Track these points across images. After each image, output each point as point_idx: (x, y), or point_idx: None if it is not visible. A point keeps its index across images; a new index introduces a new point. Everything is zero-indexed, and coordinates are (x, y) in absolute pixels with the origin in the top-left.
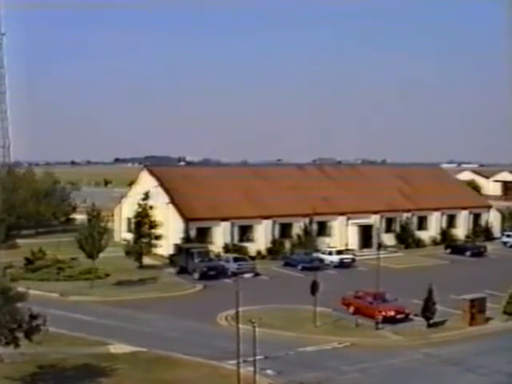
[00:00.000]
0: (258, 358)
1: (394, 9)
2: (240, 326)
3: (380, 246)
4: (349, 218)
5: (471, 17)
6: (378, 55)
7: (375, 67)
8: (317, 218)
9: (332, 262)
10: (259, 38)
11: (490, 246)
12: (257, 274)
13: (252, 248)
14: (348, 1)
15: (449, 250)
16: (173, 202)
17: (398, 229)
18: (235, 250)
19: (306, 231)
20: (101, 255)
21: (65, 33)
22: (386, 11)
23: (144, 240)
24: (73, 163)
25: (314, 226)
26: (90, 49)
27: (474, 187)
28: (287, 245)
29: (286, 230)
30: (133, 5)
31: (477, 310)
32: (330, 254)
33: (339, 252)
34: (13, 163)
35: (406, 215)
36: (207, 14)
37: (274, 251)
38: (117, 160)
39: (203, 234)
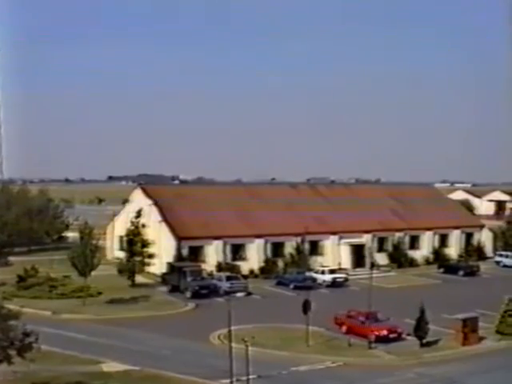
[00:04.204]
0: (251, 377)
1: (389, 25)
2: (233, 344)
3: (373, 265)
4: (341, 238)
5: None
6: (371, 75)
7: (369, 86)
8: (309, 237)
9: (324, 281)
10: (253, 56)
11: (482, 266)
12: (249, 293)
13: (245, 267)
14: (340, 16)
15: (442, 270)
16: (165, 220)
17: (390, 248)
18: (228, 268)
19: (299, 250)
20: (93, 273)
21: (57, 50)
22: (382, 29)
23: (136, 258)
24: (67, 181)
25: (307, 245)
26: (83, 66)
27: (467, 207)
28: (280, 264)
29: (278, 249)
30: (127, 23)
31: (469, 329)
32: (323, 273)
33: (332, 271)
34: (6, 180)
35: (398, 235)
36: (200, 30)
37: (267, 270)
38: (110, 178)
39: (196, 253)
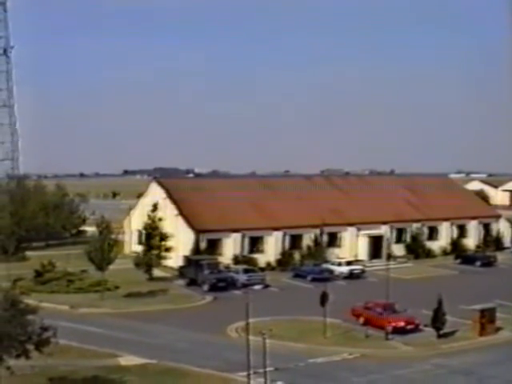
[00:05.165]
0: (268, 369)
1: (398, 20)
2: (250, 337)
3: (390, 256)
4: (359, 229)
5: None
6: (384, 65)
7: (382, 77)
8: (327, 229)
9: (342, 272)
10: (265, 48)
11: (500, 256)
12: (267, 286)
13: (262, 259)
14: (347, 7)
15: (459, 260)
16: (182, 213)
17: (408, 239)
18: (245, 261)
19: (316, 242)
20: (110, 267)
21: (72, 45)
22: (389, 21)
23: (154, 252)
24: (81, 175)
25: (324, 237)
26: (98, 61)
27: (483, 197)
28: (297, 256)
29: (295, 241)
30: (140, 14)
31: (487, 320)
32: (340, 264)
33: (349, 263)
34: (22, 176)
35: (415, 225)
36: (213, 23)
37: (284, 262)
38: (125, 172)
39: (213, 246)
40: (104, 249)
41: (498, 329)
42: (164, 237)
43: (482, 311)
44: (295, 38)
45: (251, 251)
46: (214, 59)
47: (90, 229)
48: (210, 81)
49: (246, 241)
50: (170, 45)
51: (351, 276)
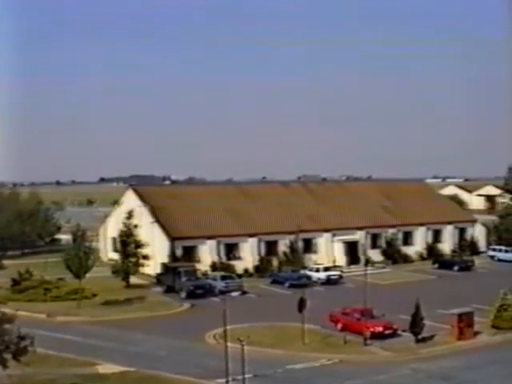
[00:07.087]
0: (246, 376)
1: (387, 24)
2: (228, 344)
3: (367, 262)
4: (334, 235)
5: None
6: (364, 72)
7: (361, 83)
8: (303, 235)
9: (319, 278)
10: (244, 55)
11: (477, 260)
12: (244, 292)
13: (239, 266)
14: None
15: (436, 265)
16: (158, 220)
17: (384, 244)
18: (222, 268)
19: (292, 248)
20: (87, 275)
21: (51, 52)
22: (378, 25)
23: (131, 259)
24: (58, 183)
25: (300, 243)
26: (75, 69)
27: (458, 202)
28: (274, 262)
29: (272, 247)
30: (117, 24)
31: (465, 324)
32: (317, 270)
33: (326, 269)
34: None
35: (391, 231)
36: (196, 29)
37: (262, 269)
38: (102, 179)
39: (190, 253)
40: (80, 256)
41: (476, 333)
42: (139, 244)
43: (460, 315)
44: (277, 46)
45: (228, 258)
46: (189, 66)
47: (65, 237)
48: (186, 88)
49: (222, 247)
50: (150, 51)
51: (329, 282)
